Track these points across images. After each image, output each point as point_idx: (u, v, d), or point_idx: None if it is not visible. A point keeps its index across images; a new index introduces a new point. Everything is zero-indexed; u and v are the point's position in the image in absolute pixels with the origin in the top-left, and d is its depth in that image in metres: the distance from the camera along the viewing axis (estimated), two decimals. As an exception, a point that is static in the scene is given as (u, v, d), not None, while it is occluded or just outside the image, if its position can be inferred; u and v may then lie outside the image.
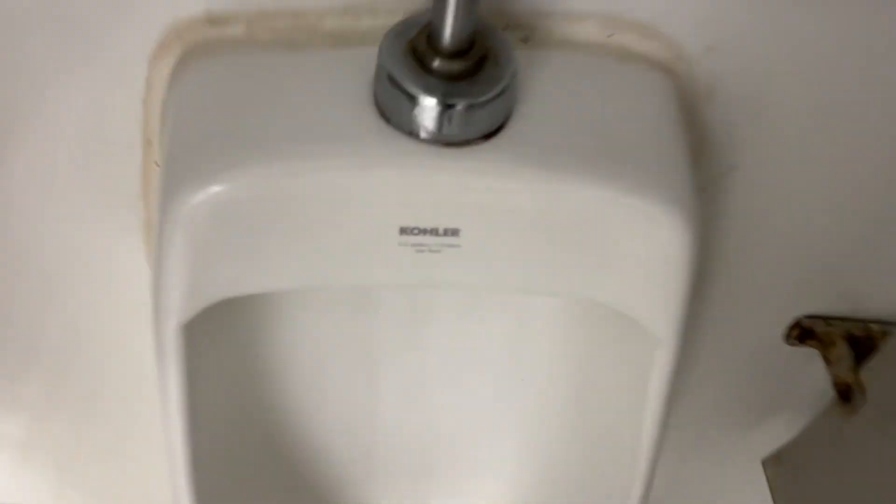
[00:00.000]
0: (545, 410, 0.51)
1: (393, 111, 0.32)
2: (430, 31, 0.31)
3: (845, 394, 0.59)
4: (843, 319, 0.60)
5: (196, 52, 0.36)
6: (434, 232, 0.34)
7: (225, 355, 0.46)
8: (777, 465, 0.68)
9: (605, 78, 0.38)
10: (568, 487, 0.51)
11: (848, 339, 0.59)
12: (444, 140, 0.32)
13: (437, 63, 0.31)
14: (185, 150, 0.34)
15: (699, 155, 0.45)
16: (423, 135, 0.32)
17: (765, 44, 0.42)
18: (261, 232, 0.34)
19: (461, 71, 0.31)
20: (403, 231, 0.34)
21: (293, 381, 0.50)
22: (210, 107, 0.35)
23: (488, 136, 0.33)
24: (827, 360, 0.59)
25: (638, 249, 0.36)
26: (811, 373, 0.64)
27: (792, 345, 0.61)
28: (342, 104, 0.34)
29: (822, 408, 0.63)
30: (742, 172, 0.48)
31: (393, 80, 0.31)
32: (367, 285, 0.46)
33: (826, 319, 0.60)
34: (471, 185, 0.34)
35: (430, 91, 0.31)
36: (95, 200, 0.47)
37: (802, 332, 0.60)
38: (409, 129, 0.32)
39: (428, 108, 0.31)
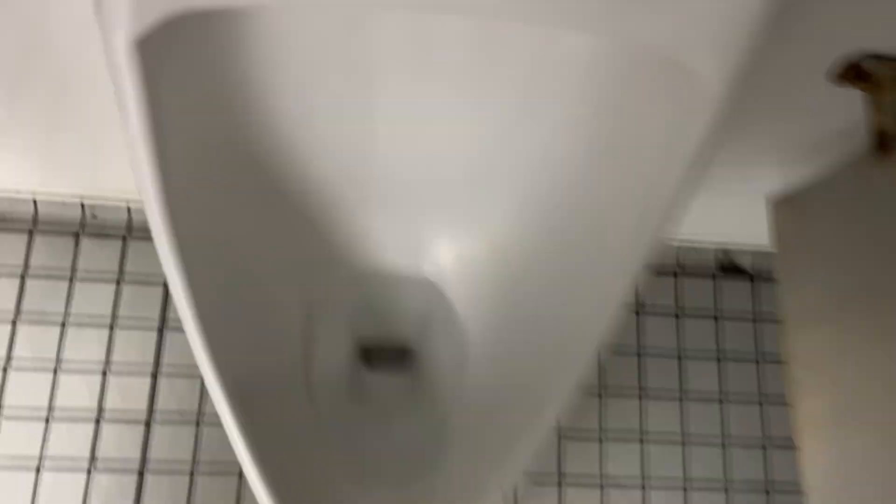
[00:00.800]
0: (555, 156, 0.46)
1: None
2: None
3: (883, 142, 0.54)
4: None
5: None
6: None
7: (196, 76, 0.39)
8: (788, 204, 0.66)
9: None
10: (574, 227, 0.49)
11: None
12: None
13: None
14: None
15: None
16: None
17: None
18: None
19: None
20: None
21: (277, 103, 0.44)
22: None
23: None
24: (875, 105, 0.54)
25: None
26: (847, 118, 0.59)
27: (839, 83, 0.54)
28: None
29: (849, 156, 0.58)
30: None
31: None
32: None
33: (883, 59, 0.52)
34: None
35: None
36: None
37: (856, 72, 0.53)
38: None
39: None
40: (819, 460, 0.60)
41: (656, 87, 0.38)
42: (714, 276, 0.98)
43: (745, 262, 0.97)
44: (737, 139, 0.72)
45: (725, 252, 0.97)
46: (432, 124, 0.46)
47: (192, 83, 0.40)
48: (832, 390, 0.59)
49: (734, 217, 0.89)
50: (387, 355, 0.63)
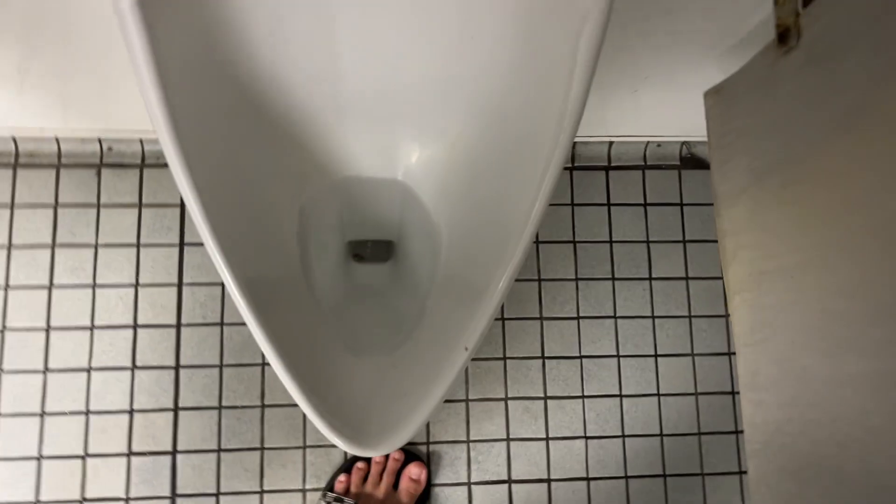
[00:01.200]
0: (492, 66, 0.54)
1: None
2: None
3: (783, 36, 0.62)
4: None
5: None
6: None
7: (186, 19, 0.48)
8: (716, 96, 0.74)
9: None
10: (510, 128, 0.58)
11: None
12: None
13: None
14: None
15: None
16: None
17: None
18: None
19: None
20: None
21: (257, 36, 0.53)
22: None
23: None
24: (776, 0, 0.61)
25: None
26: (760, 16, 0.66)
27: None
28: None
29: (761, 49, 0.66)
30: None
31: None
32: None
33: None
34: None
35: None
36: None
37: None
38: None
39: None
40: (744, 320, 0.71)
41: (552, 10, 0.47)
42: (679, 168, 1.06)
43: (705, 154, 1.06)
44: (685, 41, 0.79)
45: (686, 145, 1.05)
46: (389, 47, 0.55)
47: (185, 24, 0.48)
48: (751, 255, 0.68)
49: (693, 113, 0.97)
50: (372, 250, 0.73)
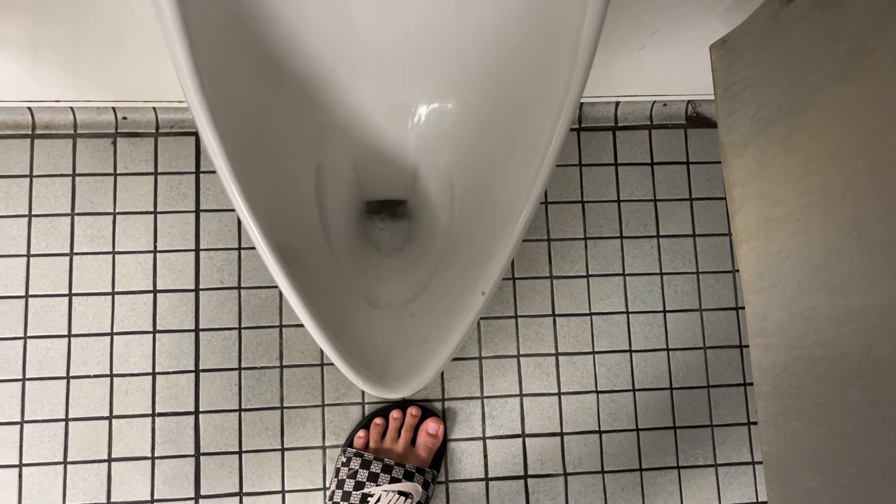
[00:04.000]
0: (501, 21, 0.56)
1: None
2: None
3: (788, -16, 0.63)
4: None
5: None
6: None
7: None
8: (721, 48, 0.75)
9: None
10: (522, 78, 0.59)
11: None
12: None
13: None
14: None
15: None
16: None
17: None
18: None
19: None
20: None
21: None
22: None
23: None
24: (778, -50, 0.62)
25: None
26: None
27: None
28: None
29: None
30: None
31: None
32: None
33: None
34: None
35: None
36: None
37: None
38: None
39: None
40: (752, 268, 0.72)
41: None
42: (685, 128, 1.07)
43: (710, 112, 1.07)
44: (689, 2, 0.80)
45: (692, 104, 1.06)
46: (398, 6, 0.56)
47: None
48: (757, 203, 0.70)
49: (698, 71, 0.98)
50: (387, 207, 0.75)
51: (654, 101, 1.06)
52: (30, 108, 0.97)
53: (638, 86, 1.02)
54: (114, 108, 0.99)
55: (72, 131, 0.98)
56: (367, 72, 0.64)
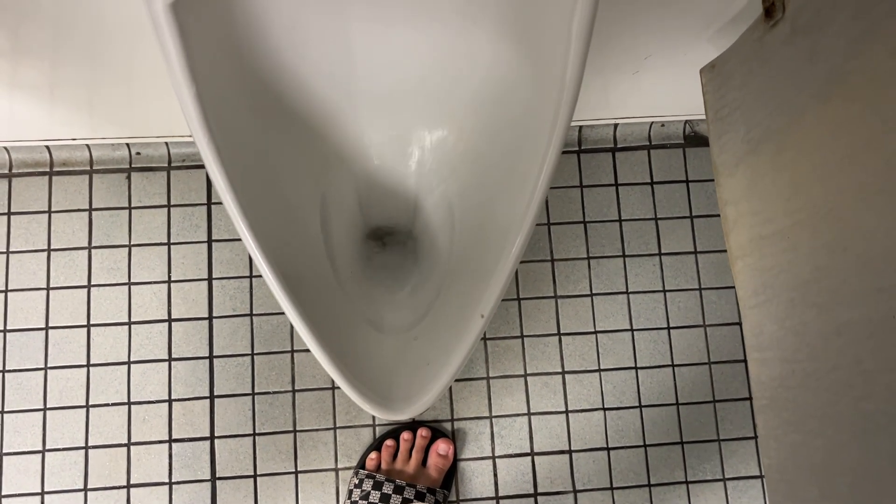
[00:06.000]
0: (492, 52, 0.59)
1: None
2: None
3: (770, 10, 0.66)
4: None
5: None
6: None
7: (213, 23, 0.53)
8: (710, 72, 0.78)
9: None
10: (515, 108, 0.62)
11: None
12: None
13: None
14: None
15: None
16: None
17: None
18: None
19: None
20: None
21: (276, 38, 0.58)
22: None
23: None
24: (761, -22, 0.65)
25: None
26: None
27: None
28: None
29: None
30: None
31: None
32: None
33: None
34: None
35: None
36: None
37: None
38: None
39: None
40: (747, 284, 0.74)
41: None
42: (683, 147, 1.09)
43: (707, 131, 1.09)
44: (681, 21, 0.83)
45: (689, 124, 1.09)
46: (396, 44, 0.59)
47: (213, 30, 0.53)
48: (750, 221, 0.72)
49: (693, 92, 1.00)
50: (391, 234, 0.77)
51: (652, 122, 1.08)
52: (47, 147, 1.01)
53: (635, 108, 1.04)
54: (128, 144, 1.02)
55: (88, 168, 1.02)
56: (367, 106, 0.67)
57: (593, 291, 1.05)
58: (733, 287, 1.06)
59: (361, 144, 0.70)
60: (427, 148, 0.69)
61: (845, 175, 0.57)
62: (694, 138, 1.09)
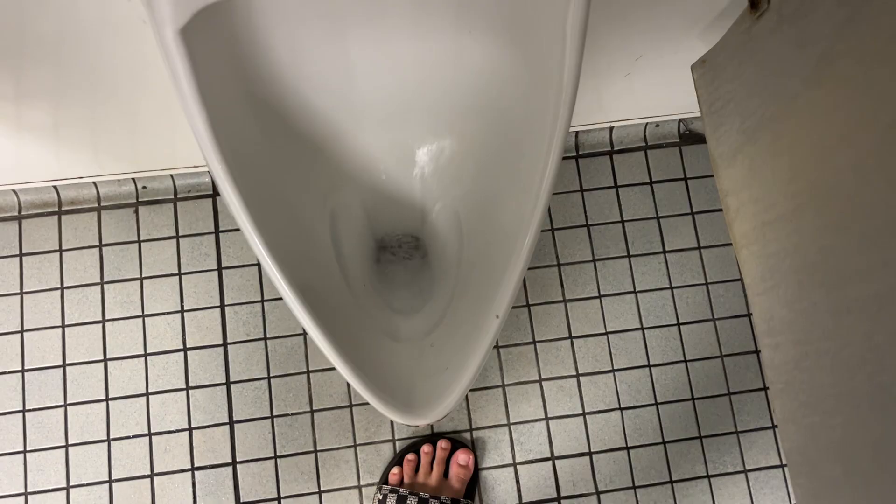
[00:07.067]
0: (489, 59, 0.60)
1: None
2: None
3: (755, 2, 0.67)
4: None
5: None
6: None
7: (219, 47, 0.54)
8: (701, 67, 0.79)
9: None
10: (515, 111, 0.63)
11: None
12: None
13: None
14: None
15: None
16: None
17: None
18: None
19: None
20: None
21: (278, 58, 0.59)
22: None
23: None
24: (744, -29, 0.67)
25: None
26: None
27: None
28: None
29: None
30: None
31: None
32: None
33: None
34: None
35: None
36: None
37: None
38: None
39: None
40: (753, 271, 0.75)
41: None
42: (679, 146, 1.11)
43: (701, 128, 1.10)
44: (669, 20, 0.84)
45: (683, 122, 1.10)
46: (394, 57, 0.61)
47: (219, 54, 0.54)
48: (752, 209, 0.73)
49: (685, 90, 1.02)
50: (401, 244, 0.78)
51: (647, 123, 1.10)
52: (55, 187, 1.03)
53: (629, 110, 1.06)
54: (133, 179, 1.04)
55: (96, 205, 1.03)
56: (370, 120, 0.69)
57: (601, 293, 1.06)
58: (739, 279, 1.07)
59: (366, 158, 0.72)
60: (430, 157, 0.71)
61: (842, 154, 0.59)
62: (689, 136, 1.11)
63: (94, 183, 1.03)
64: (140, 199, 1.04)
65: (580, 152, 1.10)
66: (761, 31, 0.68)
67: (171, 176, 1.04)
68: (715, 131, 0.78)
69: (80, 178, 1.01)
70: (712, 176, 1.10)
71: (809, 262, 0.65)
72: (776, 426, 1.03)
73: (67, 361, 0.99)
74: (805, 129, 0.64)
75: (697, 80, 0.81)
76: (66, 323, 1.00)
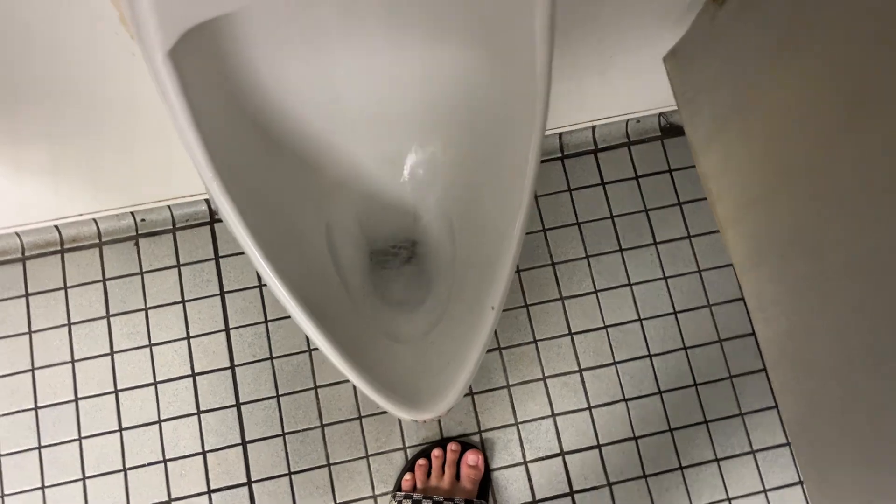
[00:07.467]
0: (463, 64, 0.63)
1: None
2: None
3: (716, -10, 0.70)
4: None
5: None
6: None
7: (207, 68, 0.57)
8: (673, 59, 0.82)
9: None
10: (493, 112, 0.65)
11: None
12: None
13: None
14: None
15: None
16: None
17: None
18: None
19: None
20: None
21: (264, 76, 0.62)
22: None
23: None
24: (703, -37, 0.70)
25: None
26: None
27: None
28: None
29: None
30: None
31: None
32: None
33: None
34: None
35: None
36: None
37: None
38: None
39: None
40: (739, 251, 0.77)
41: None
42: (661, 139, 1.14)
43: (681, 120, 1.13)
44: (639, 17, 0.87)
45: (663, 116, 1.13)
46: (373, 70, 0.63)
47: (208, 75, 0.57)
48: (732, 192, 0.76)
49: (662, 84, 1.05)
50: (396, 250, 0.81)
51: (628, 120, 1.13)
52: (56, 227, 1.05)
53: (609, 108, 1.09)
54: (132, 213, 1.06)
55: (97, 240, 1.06)
56: (356, 132, 0.71)
57: (597, 288, 1.08)
58: (730, 264, 1.09)
59: (356, 169, 0.74)
60: (417, 162, 0.73)
61: (810, 126, 0.61)
62: (670, 129, 1.13)
63: (94, 219, 1.06)
64: (140, 232, 1.07)
65: (565, 153, 1.13)
66: (725, 17, 0.70)
67: (169, 207, 1.07)
68: (691, 120, 0.81)
69: (81, 215, 1.04)
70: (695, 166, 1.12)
71: (790, 235, 0.67)
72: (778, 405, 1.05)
73: (79, 395, 1.01)
74: (773, 109, 0.66)
75: (670, 72, 0.84)
76: (76, 358, 1.02)
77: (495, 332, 1.04)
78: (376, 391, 0.59)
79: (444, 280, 0.74)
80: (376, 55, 0.64)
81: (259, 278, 1.05)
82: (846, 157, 0.58)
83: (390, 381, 0.63)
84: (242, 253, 1.06)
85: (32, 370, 1.02)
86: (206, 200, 1.08)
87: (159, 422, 1.01)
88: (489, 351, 1.05)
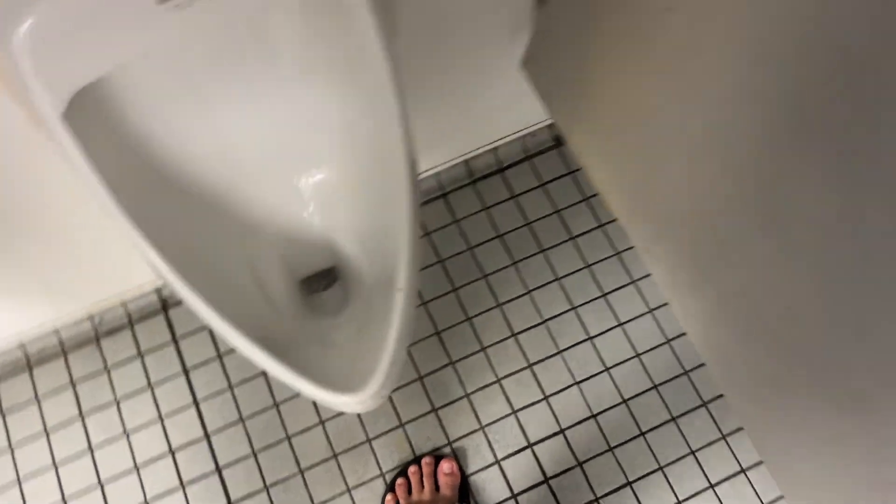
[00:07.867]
0: (334, 103, 0.73)
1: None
2: None
3: (537, -6, 0.82)
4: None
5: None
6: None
7: (103, 127, 0.66)
8: (527, 65, 0.93)
9: None
10: (369, 140, 0.75)
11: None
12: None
13: None
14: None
15: None
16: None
17: None
18: (66, 39, 0.52)
19: None
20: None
21: (155, 127, 0.70)
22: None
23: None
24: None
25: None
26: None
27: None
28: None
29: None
30: None
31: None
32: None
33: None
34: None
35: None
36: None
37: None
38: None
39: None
40: (639, 234, 0.85)
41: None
42: (557, 146, 1.25)
43: (569, 125, 1.25)
44: (488, 52, 0.98)
45: (551, 127, 1.25)
46: (256, 113, 0.73)
47: (106, 131, 0.65)
48: (621, 183, 0.85)
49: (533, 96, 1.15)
50: (321, 275, 0.89)
51: (525, 136, 1.24)
52: (22, 344, 1.12)
53: (502, 128, 1.20)
54: (90, 317, 1.14)
55: (60, 349, 1.13)
56: (260, 169, 0.80)
57: (529, 288, 1.16)
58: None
59: (264, 206, 0.83)
60: (316, 192, 0.82)
61: (651, 84, 0.71)
62: (560, 137, 1.25)
63: (56, 330, 1.13)
64: (99, 333, 1.14)
65: (474, 178, 1.23)
66: (551, 6, 0.82)
67: (123, 304, 1.14)
68: (559, 108, 0.91)
69: (41, 324, 1.11)
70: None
71: (682, 207, 0.77)
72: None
73: (66, 495, 1.06)
74: (619, 81, 0.77)
75: (529, 78, 0.95)
76: (57, 461, 1.07)
77: (444, 348, 1.12)
78: (316, 386, 0.65)
79: (363, 292, 0.82)
80: (256, 99, 0.74)
81: (217, 348, 1.12)
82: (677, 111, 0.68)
83: (327, 378, 0.70)
84: (199, 331, 1.14)
85: (19, 482, 1.06)
86: (157, 290, 1.16)
87: (146, 503, 1.05)
88: (443, 366, 1.12)
